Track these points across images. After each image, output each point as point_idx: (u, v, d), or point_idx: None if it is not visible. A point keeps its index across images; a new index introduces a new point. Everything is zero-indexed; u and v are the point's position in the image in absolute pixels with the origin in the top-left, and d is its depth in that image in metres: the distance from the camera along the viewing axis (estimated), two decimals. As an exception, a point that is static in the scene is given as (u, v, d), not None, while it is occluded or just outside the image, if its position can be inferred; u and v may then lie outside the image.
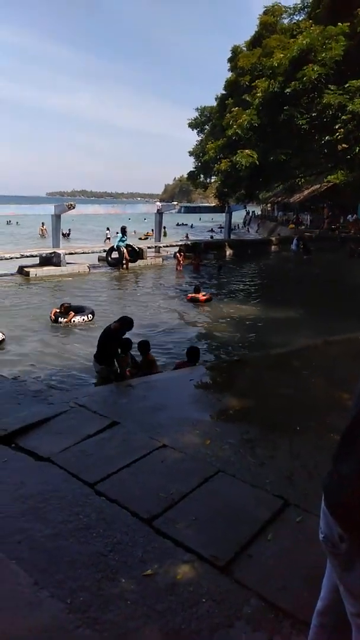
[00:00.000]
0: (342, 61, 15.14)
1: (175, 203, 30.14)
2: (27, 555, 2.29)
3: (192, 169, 25.29)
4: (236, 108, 18.19)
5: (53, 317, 10.01)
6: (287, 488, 2.86)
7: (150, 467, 3.10)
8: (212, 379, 5.20)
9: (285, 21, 21.91)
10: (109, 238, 31.60)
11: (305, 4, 21.60)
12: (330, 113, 15.14)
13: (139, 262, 18.95)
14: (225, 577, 2.19)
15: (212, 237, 32.90)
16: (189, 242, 23.60)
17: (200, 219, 52.99)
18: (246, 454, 3.27)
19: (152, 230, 30.89)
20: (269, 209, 48.86)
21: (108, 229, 33.99)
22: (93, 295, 13.69)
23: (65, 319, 9.93)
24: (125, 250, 18.17)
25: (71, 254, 18.14)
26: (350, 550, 1.34)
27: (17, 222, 41.72)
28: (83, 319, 10.16)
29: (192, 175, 25.54)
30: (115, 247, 18.41)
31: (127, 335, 6.58)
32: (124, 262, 18.16)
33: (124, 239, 18.43)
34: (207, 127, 25.18)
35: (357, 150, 15.61)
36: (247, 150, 16.79)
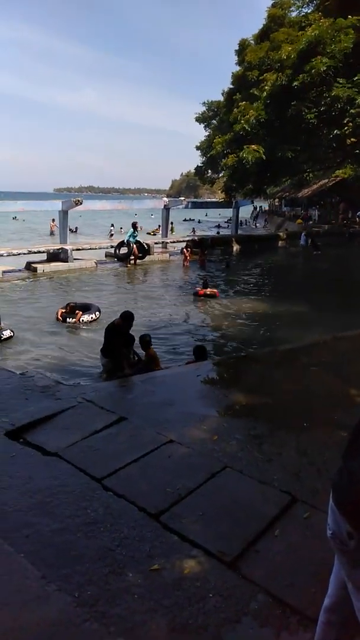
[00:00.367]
0: (352, 54, 14.95)
1: (182, 198, 30.09)
2: (35, 549, 2.30)
3: (199, 164, 25.23)
4: (244, 102, 18.07)
5: (60, 317, 9.91)
6: (295, 484, 2.85)
7: (157, 462, 3.10)
8: (219, 375, 5.18)
9: (294, 14, 21.69)
10: (113, 234, 31.62)
11: (314, -4, 21.37)
12: (339, 106, 14.97)
13: (146, 258, 18.96)
14: (232, 572, 2.19)
15: (218, 232, 32.81)
16: (195, 238, 23.54)
17: (206, 214, 52.84)
18: (253, 449, 3.26)
19: (159, 226, 30.90)
20: (276, 204, 48.60)
21: (112, 225, 33.98)
22: (100, 291, 13.72)
23: (74, 319, 9.84)
24: (134, 246, 18.19)
25: (78, 249, 18.18)
26: (359, 547, 1.33)
27: (23, 220, 41.83)
28: (91, 317, 10.08)
29: (199, 171, 25.49)
30: (125, 241, 18.43)
31: (133, 330, 6.64)
32: (132, 257, 18.17)
33: (135, 234, 18.44)
34: (214, 121, 25.08)
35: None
36: (253, 146, 16.66)
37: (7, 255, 16.57)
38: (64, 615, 1.93)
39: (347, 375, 4.80)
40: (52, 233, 29.86)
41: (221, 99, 24.15)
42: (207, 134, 25.54)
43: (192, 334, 9.82)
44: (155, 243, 21.08)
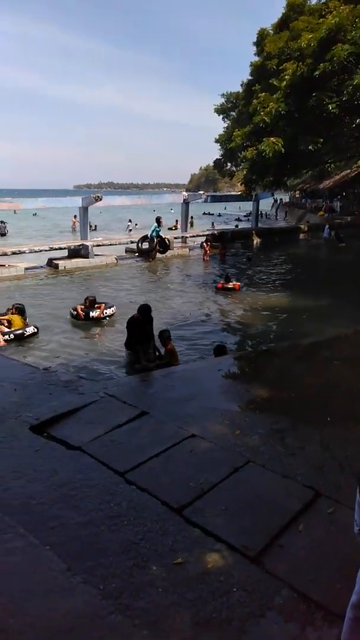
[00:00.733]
0: (374, 41, 14.60)
1: (201, 192, 29.90)
2: (60, 541, 2.34)
3: (217, 157, 24.99)
4: (263, 94, 17.81)
5: (82, 313, 9.63)
6: (318, 479, 2.82)
7: (180, 456, 3.11)
8: (240, 369, 5.16)
9: (314, 1, 21.22)
10: (131, 230, 31.68)
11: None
12: (361, 95, 14.67)
13: (166, 253, 18.97)
14: (256, 567, 2.19)
15: (237, 226, 32.56)
16: (215, 232, 23.42)
17: (225, 207, 52.43)
18: (276, 444, 3.24)
19: (177, 221, 30.80)
20: (297, 196, 47.96)
21: (130, 220, 34.04)
22: (121, 286, 13.79)
23: (97, 313, 9.67)
24: (156, 241, 18.23)
25: (99, 245, 18.29)
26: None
27: (43, 217, 42.29)
28: (112, 310, 9.96)
29: (218, 163, 25.23)
30: (149, 236, 18.46)
31: (154, 325, 6.83)
32: (153, 252, 18.22)
33: (158, 229, 18.46)
34: (233, 113, 24.76)
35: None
36: (272, 138, 16.44)
37: (29, 252, 16.78)
38: (90, 607, 1.96)
39: (371, 369, 4.72)
40: (73, 230, 30.07)
41: (240, 90, 23.82)
42: (225, 125, 25.21)
43: (213, 327, 9.80)
44: (175, 238, 21.05)
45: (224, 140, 23.63)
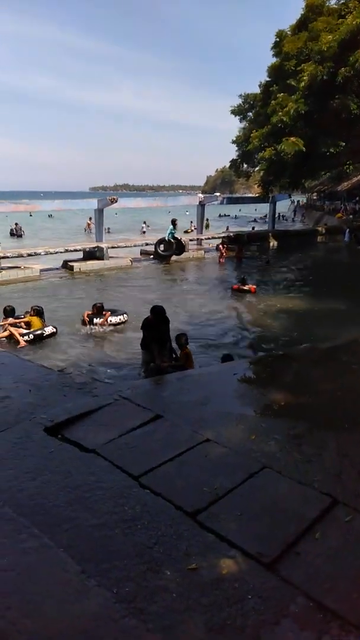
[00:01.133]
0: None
1: (217, 194, 29.95)
2: (74, 543, 2.34)
3: (234, 158, 24.94)
4: (281, 94, 17.74)
5: (87, 319, 9.57)
6: (336, 486, 2.78)
7: (194, 461, 3.09)
8: (256, 374, 5.12)
9: (333, 2, 21.10)
10: (145, 231, 31.80)
11: (354, -18, 20.67)
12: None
13: (181, 255, 18.99)
14: (272, 574, 2.16)
15: (253, 228, 32.45)
16: (231, 234, 23.37)
17: (240, 210, 52.27)
18: (292, 450, 3.20)
19: (191, 222, 30.75)
20: (314, 197, 47.61)
21: (144, 222, 34.18)
22: (136, 288, 13.84)
23: (101, 319, 9.51)
24: (174, 245, 18.29)
25: (114, 247, 18.40)
26: None
27: (58, 219, 42.72)
28: (119, 319, 9.75)
29: (234, 163, 25.19)
30: (166, 239, 18.51)
31: (170, 328, 6.94)
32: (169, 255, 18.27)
33: (173, 231, 18.51)
34: (250, 114, 24.71)
35: None
36: (292, 138, 16.37)
37: (45, 254, 16.96)
38: (104, 610, 1.95)
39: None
40: (89, 232, 30.28)
41: (258, 91, 23.77)
42: (242, 127, 25.16)
43: (227, 330, 9.77)
44: (190, 240, 21.06)
45: (240, 141, 23.61)
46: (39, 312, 9.15)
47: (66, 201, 21.35)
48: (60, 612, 1.95)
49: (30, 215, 37.41)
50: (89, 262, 16.84)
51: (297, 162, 17.41)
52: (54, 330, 9.03)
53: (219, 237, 22.16)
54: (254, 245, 22.41)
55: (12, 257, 15.97)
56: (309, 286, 14.68)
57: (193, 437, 3.36)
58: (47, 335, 8.88)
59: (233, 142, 24.49)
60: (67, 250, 17.37)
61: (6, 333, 8.66)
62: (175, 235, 18.76)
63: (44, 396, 4.16)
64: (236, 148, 24.50)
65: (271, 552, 2.27)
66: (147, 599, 2.01)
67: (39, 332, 8.79)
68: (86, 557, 2.25)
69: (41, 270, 15.59)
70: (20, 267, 15.45)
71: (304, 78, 16.33)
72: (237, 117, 25.21)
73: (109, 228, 32.27)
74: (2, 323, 8.92)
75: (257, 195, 27.43)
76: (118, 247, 18.83)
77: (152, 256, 18.85)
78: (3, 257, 15.46)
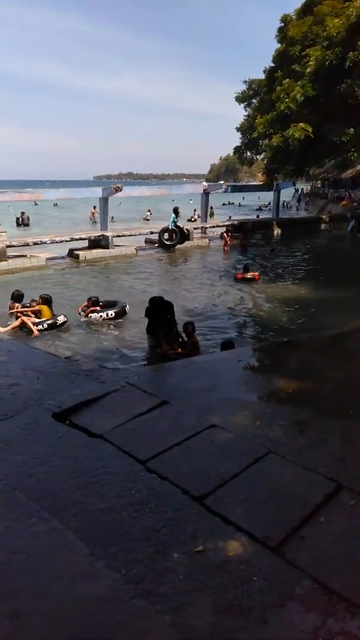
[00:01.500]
0: None
1: (222, 182, 29.70)
2: (82, 527, 2.38)
3: (237, 145, 24.67)
4: (287, 80, 17.49)
5: (80, 311, 9.43)
6: (340, 471, 2.80)
7: (200, 446, 3.12)
8: (261, 361, 5.14)
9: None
10: (149, 219, 31.66)
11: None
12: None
13: (186, 243, 18.92)
14: (277, 557, 2.19)
15: (257, 216, 32.24)
16: (235, 222, 23.25)
17: (243, 198, 51.80)
18: (297, 436, 3.22)
19: (195, 210, 30.54)
20: (318, 185, 47.17)
21: (149, 210, 34.02)
22: (140, 277, 13.83)
23: (99, 314, 9.27)
24: (178, 234, 18.23)
25: (119, 236, 18.35)
26: None
27: (62, 207, 42.60)
28: (100, 316, 9.27)
29: (238, 150, 24.93)
30: (169, 228, 18.43)
31: (176, 316, 7.32)
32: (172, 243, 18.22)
33: (176, 219, 18.43)
34: (254, 101, 24.39)
35: None
36: (301, 124, 16.16)
37: (51, 243, 16.95)
38: (112, 592, 1.99)
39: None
40: (94, 221, 30.14)
41: (262, 77, 23.43)
42: (246, 114, 24.84)
43: (232, 318, 9.78)
44: (195, 228, 20.98)
45: (245, 128, 23.33)
46: (47, 301, 9.14)
47: (70, 190, 21.26)
48: (70, 593, 1.99)
49: (35, 204, 37.31)
50: (94, 251, 16.82)
51: (302, 149, 17.21)
52: (65, 319, 9.04)
53: (223, 226, 22.05)
54: (259, 233, 22.29)
55: (18, 246, 15.98)
56: (313, 274, 14.62)
57: (199, 423, 3.39)
58: (59, 324, 8.88)
59: (237, 129, 24.21)
60: (72, 239, 17.36)
61: (18, 322, 8.62)
62: (178, 224, 18.68)
63: (51, 383, 4.19)
64: (240, 136, 24.23)
65: (277, 535, 2.30)
66: (155, 581, 2.04)
67: (51, 321, 8.80)
68: (95, 540, 2.28)
69: (47, 259, 15.60)
70: (26, 256, 15.46)
71: (310, 63, 16.09)
72: (242, 104, 24.90)
73: (112, 217, 32.23)
74: (15, 311, 8.86)
75: (261, 183, 27.18)
76: (123, 235, 18.79)
77: (157, 245, 18.80)
78: (9, 246, 15.47)
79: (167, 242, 18.28)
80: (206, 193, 22.63)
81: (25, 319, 8.62)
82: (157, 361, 6.21)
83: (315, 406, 3.74)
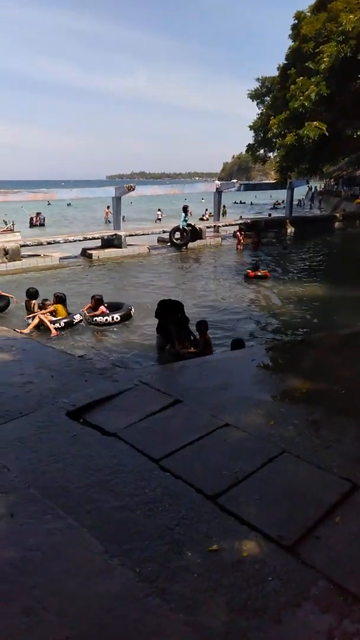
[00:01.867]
0: None
1: (234, 181, 29.57)
2: (97, 524, 2.39)
3: (250, 142, 24.55)
4: (301, 78, 17.35)
5: (85, 311, 9.18)
6: (356, 471, 2.77)
7: (214, 445, 3.11)
8: (274, 360, 5.11)
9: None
10: (160, 219, 31.66)
11: None
12: None
13: (198, 242, 18.90)
14: (292, 557, 2.17)
15: (270, 214, 32.06)
16: (248, 221, 23.15)
17: (255, 196, 51.50)
18: (311, 435, 3.20)
19: (206, 209, 30.44)
20: (332, 183, 46.76)
21: (159, 210, 34.02)
22: (153, 276, 13.85)
23: (104, 317, 8.95)
24: (188, 233, 18.20)
25: (131, 235, 18.40)
26: None
27: (76, 207, 42.88)
28: (105, 319, 8.92)
29: (251, 147, 24.79)
30: (180, 227, 18.42)
31: (187, 314, 7.46)
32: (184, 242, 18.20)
33: (186, 218, 18.41)
34: (267, 98, 24.24)
35: None
36: (315, 123, 16.03)
37: (64, 242, 17.06)
38: (127, 590, 1.99)
39: None
40: (107, 221, 30.16)
41: (275, 75, 23.27)
42: (259, 112, 24.70)
43: (243, 316, 9.74)
44: (207, 227, 20.95)
45: (258, 126, 23.21)
46: (61, 299, 9.17)
47: (84, 189, 21.36)
48: (85, 590, 2.00)
49: (49, 204, 37.59)
50: (107, 250, 16.89)
51: (317, 147, 17.07)
52: (81, 317, 9.06)
53: (236, 224, 21.97)
54: (272, 231, 22.17)
55: (32, 245, 16.11)
56: (326, 273, 14.50)
57: (212, 422, 3.38)
58: (76, 322, 8.89)
59: (250, 127, 24.09)
60: (85, 239, 17.45)
61: (36, 321, 8.61)
62: (190, 222, 18.65)
63: (65, 381, 4.22)
64: (253, 134, 24.11)
65: (291, 535, 2.29)
66: (169, 579, 2.04)
67: (67, 319, 8.83)
68: (109, 538, 2.29)
69: (60, 259, 15.70)
70: (40, 255, 15.58)
71: (325, 59, 15.94)
72: (255, 102, 24.76)
73: (123, 216, 32.30)
74: (34, 314, 8.74)
75: (274, 181, 27.03)
76: (135, 234, 18.83)
77: (169, 244, 18.81)
78: (24, 245, 15.60)
79: (177, 242, 18.27)
80: (219, 191, 22.57)
81: (43, 317, 8.65)
82: (170, 360, 6.21)
83: (330, 406, 3.71)
